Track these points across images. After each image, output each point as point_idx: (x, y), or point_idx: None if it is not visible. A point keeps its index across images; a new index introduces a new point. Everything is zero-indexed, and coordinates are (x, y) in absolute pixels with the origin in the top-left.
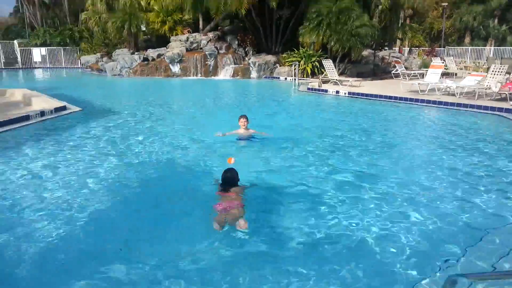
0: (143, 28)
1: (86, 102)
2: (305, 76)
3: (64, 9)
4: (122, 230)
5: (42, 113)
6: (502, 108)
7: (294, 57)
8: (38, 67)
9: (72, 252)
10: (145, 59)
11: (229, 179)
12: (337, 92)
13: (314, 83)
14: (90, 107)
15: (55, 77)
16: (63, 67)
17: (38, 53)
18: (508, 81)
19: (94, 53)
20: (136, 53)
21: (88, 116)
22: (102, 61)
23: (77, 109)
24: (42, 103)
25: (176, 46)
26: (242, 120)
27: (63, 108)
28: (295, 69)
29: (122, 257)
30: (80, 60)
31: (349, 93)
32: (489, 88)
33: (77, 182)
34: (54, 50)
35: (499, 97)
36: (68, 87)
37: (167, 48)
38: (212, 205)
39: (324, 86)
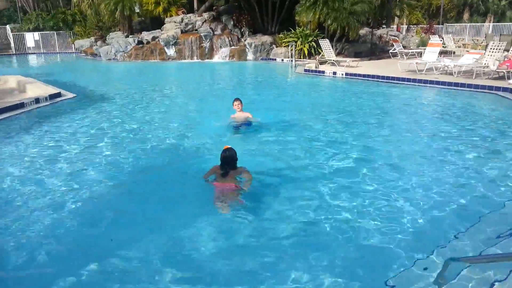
0: (137, 10)
1: (81, 88)
2: (302, 57)
3: None
4: (120, 216)
5: (37, 100)
6: (500, 87)
7: (290, 37)
8: (31, 53)
9: (70, 238)
10: (140, 42)
11: (228, 158)
12: (334, 73)
13: (311, 64)
14: (85, 93)
15: (49, 62)
16: (57, 52)
17: (31, 38)
18: (506, 59)
19: (88, 37)
20: (130, 36)
21: (83, 103)
22: (96, 45)
23: (72, 95)
24: (36, 89)
25: (171, 28)
26: (236, 103)
27: (58, 94)
28: (291, 50)
29: (118, 245)
30: (74, 45)
31: (346, 74)
32: (487, 67)
33: (72, 170)
34: (48, 34)
35: (497, 75)
36: (63, 73)
37: (161, 30)
38: (213, 183)
39: (321, 67)
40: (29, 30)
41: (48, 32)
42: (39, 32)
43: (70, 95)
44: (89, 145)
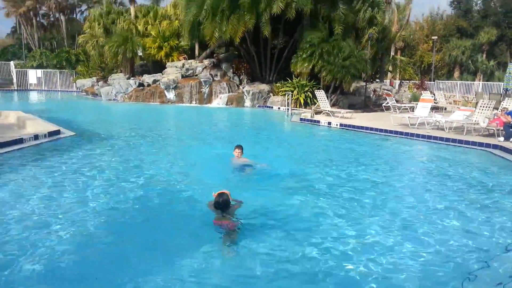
0: (140, 53)
1: (80, 127)
2: (298, 106)
3: (61, 31)
4: (115, 257)
5: (36, 137)
6: (490, 144)
7: (287, 86)
8: (33, 89)
9: (62, 274)
10: (141, 84)
11: (222, 204)
12: (329, 123)
13: (307, 113)
14: (84, 132)
15: (50, 100)
16: (58, 90)
17: (34, 75)
18: (495, 117)
19: (90, 77)
20: (131, 78)
21: (81, 141)
22: (98, 85)
23: (71, 133)
24: (36, 126)
25: (171, 72)
26: (237, 150)
27: (57, 132)
28: (288, 99)
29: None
30: (75, 84)
31: (341, 124)
32: (478, 124)
33: (67, 208)
34: (50, 72)
35: (487, 132)
36: (63, 111)
37: (162, 74)
38: (213, 220)
39: (316, 117)
40: (32, 67)
41: (51, 70)
42: (42, 70)
43: (69, 133)
44: (86, 183)
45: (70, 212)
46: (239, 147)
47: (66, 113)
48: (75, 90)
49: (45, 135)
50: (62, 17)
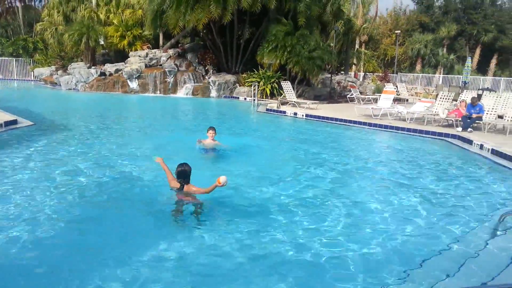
0: (101, 42)
1: (39, 117)
2: (264, 97)
3: (18, 18)
4: (73, 250)
5: None
6: (449, 134)
7: (253, 77)
8: None
9: (16, 274)
10: (102, 73)
11: (185, 172)
12: (295, 114)
13: (273, 104)
14: (43, 122)
15: (6, 89)
16: (15, 79)
17: None
18: (455, 108)
19: (49, 66)
20: (93, 67)
21: (40, 131)
22: (57, 74)
23: (29, 123)
24: None
25: (135, 61)
26: (211, 132)
27: (14, 122)
28: (254, 89)
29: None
30: (33, 72)
31: (306, 115)
32: (437, 114)
33: (24, 198)
34: (6, 60)
35: (446, 123)
36: (20, 100)
37: (125, 64)
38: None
39: (282, 108)
40: None
41: (6, 58)
42: None
43: (27, 123)
44: (45, 174)
45: (27, 203)
46: (213, 128)
47: (24, 102)
48: (32, 79)
49: (1, 125)
50: (19, 4)
